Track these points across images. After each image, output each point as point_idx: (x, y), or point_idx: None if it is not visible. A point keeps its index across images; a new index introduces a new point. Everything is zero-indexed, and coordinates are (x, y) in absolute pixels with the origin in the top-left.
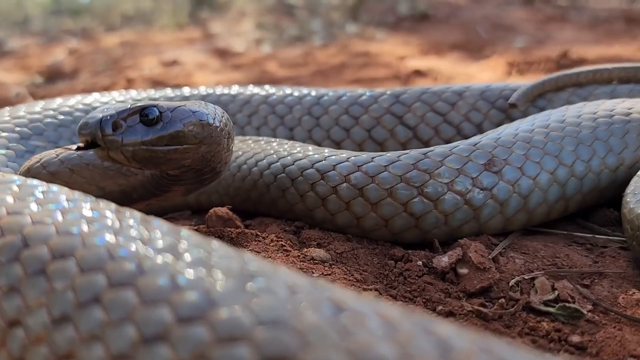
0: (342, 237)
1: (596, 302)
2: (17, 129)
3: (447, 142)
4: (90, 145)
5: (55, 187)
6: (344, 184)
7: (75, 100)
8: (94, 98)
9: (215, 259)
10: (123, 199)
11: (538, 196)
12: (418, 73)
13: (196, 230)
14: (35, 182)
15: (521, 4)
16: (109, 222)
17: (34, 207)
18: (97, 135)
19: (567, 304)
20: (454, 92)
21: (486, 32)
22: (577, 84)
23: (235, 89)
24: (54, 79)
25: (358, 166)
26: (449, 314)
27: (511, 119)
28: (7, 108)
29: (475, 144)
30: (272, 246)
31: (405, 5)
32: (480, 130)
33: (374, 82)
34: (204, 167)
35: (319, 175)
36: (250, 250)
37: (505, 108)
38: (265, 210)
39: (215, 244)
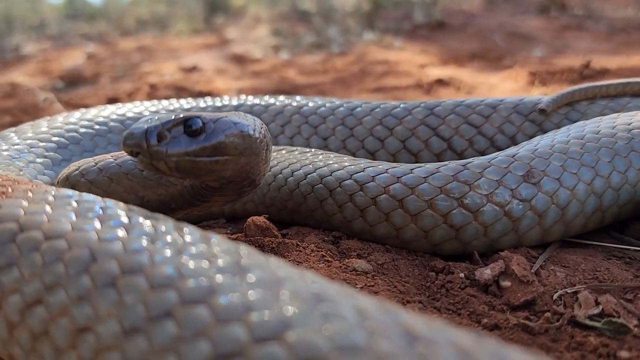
0: (381, 248)
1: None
2: (55, 138)
3: (482, 153)
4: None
5: (111, 202)
6: (384, 195)
7: (110, 111)
8: (127, 108)
9: (279, 280)
10: (162, 209)
11: (576, 207)
12: (440, 82)
13: (235, 239)
14: (91, 197)
15: (536, 13)
16: (169, 239)
17: (97, 224)
18: (142, 146)
19: (612, 319)
20: (488, 105)
21: (503, 41)
22: (607, 96)
23: (266, 99)
24: (75, 83)
25: (397, 177)
26: (495, 327)
27: (544, 131)
28: (47, 118)
29: (514, 156)
30: (313, 256)
31: (420, 13)
32: (514, 142)
33: (396, 90)
34: (243, 179)
35: (358, 187)
36: (291, 260)
37: (538, 121)
38: (301, 220)
39: (274, 261)
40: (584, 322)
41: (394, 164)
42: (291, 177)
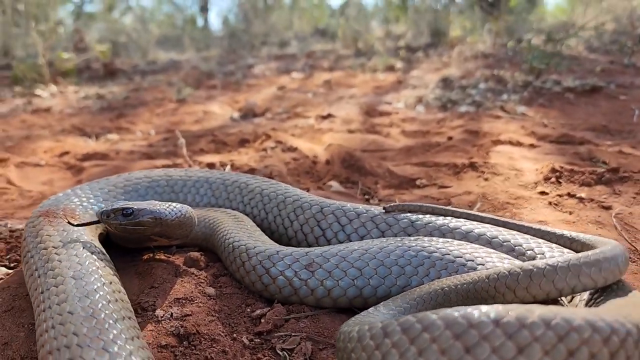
0: (237, 284)
1: (305, 354)
2: (121, 189)
3: (342, 242)
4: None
5: (86, 238)
6: (247, 260)
7: (155, 174)
8: (165, 171)
9: None
10: (137, 243)
11: (339, 291)
12: (472, 166)
13: (172, 262)
14: (77, 234)
15: None
16: (89, 262)
17: (73, 252)
18: (100, 217)
19: (288, 354)
20: (356, 213)
21: None
22: (452, 216)
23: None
24: (247, 116)
25: (248, 250)
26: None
27: (384, 236)
28: (116, 176)
29: (307, 252)
30: (194, 280)
31: (578, 76)
32: (362, 239)
33: (435, 166)
34: (161, 237)
35: (238, 252)
36: (180, 279)
37: (382, 229)
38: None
39: None
40: (277, 350)
41: (262, 243)
42: (217, 233)
